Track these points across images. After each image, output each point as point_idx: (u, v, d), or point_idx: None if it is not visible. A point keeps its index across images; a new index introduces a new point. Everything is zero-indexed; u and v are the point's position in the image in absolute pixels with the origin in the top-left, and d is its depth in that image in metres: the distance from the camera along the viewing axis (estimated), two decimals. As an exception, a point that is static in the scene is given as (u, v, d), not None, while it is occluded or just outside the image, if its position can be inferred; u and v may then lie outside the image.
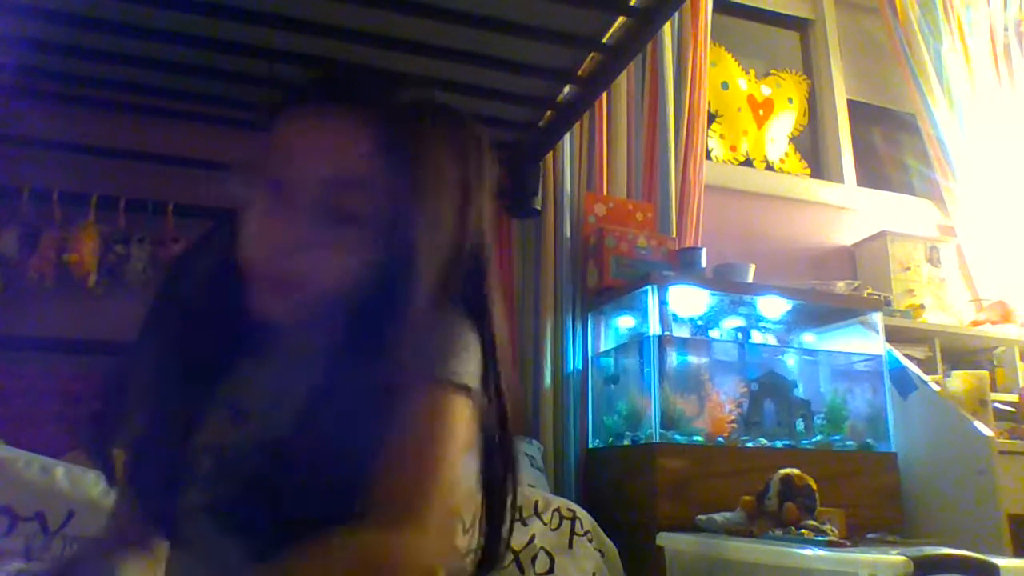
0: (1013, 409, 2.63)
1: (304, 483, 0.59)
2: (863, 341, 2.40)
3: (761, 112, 3.34)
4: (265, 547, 0.57)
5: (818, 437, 2.17)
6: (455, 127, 0.69)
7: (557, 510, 1.81)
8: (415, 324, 0.61)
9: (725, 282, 2.36)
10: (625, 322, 2.41)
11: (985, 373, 2.50)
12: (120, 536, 0.72)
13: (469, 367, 0.64)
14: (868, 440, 2.23)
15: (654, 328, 2.10)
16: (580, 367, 2.40)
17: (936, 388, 2.25)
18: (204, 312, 0.69)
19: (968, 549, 1.42)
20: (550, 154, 2.47)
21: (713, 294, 2.27)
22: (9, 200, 1.95)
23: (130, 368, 0.70)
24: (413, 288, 0.61)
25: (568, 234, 2.48)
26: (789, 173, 3.29)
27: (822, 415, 2.23)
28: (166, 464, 0.66)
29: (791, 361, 2.44)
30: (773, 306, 2.34)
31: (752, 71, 3.39)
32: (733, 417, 2.12)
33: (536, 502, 1.80)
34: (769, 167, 3.27)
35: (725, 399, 2.15)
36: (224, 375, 0.70)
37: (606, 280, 2.34)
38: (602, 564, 1.74)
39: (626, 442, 2.11)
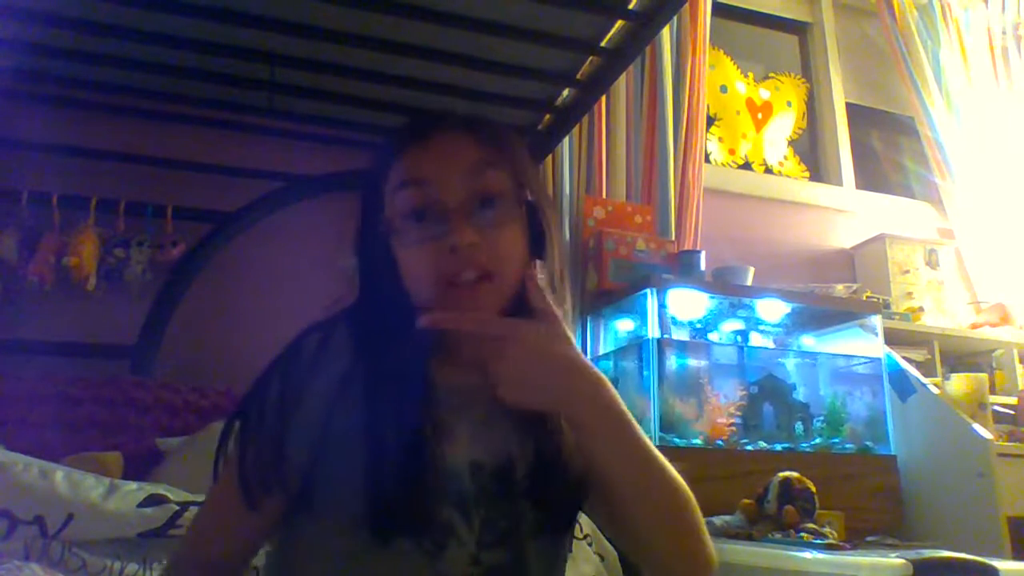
0: (1012, 412, 2.63)
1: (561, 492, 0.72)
2: (862, 344, 2.40)
3: (760, 115, 3.35)
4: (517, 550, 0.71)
5: (817, 440, 2.17)
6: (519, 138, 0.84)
7: (556, 513, 1.80)
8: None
9: (724, 285, 2.36)
10: (624, 325, 2.41)
11: (984, 376, 2.50)
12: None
13: None
14: (867, 443, 2.23)
15: (653, 331, 2.10)
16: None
17: (935, 391, 2.26)
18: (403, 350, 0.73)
19: (967, 552, 1.42)
20: (549, 157, 2.47)
21: (712, 297, 2.27)
22: (8, 203, 1.95)
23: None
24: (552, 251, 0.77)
25: (567, 237, 2.48)
26: (788, 176, 3.29)
27: (821, 418, 2.23)
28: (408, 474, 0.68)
29: (790, 364, 2.44)
30: (772, 309, 2.34)
31: (751, 74, 3.39)
32: (732, 420, 2.12)
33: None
34: (768, 170, 3.27)
35: (724, 402, 2.15)
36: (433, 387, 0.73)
37: (605, 283, 2.34)
38: (602, 568, 1.73)
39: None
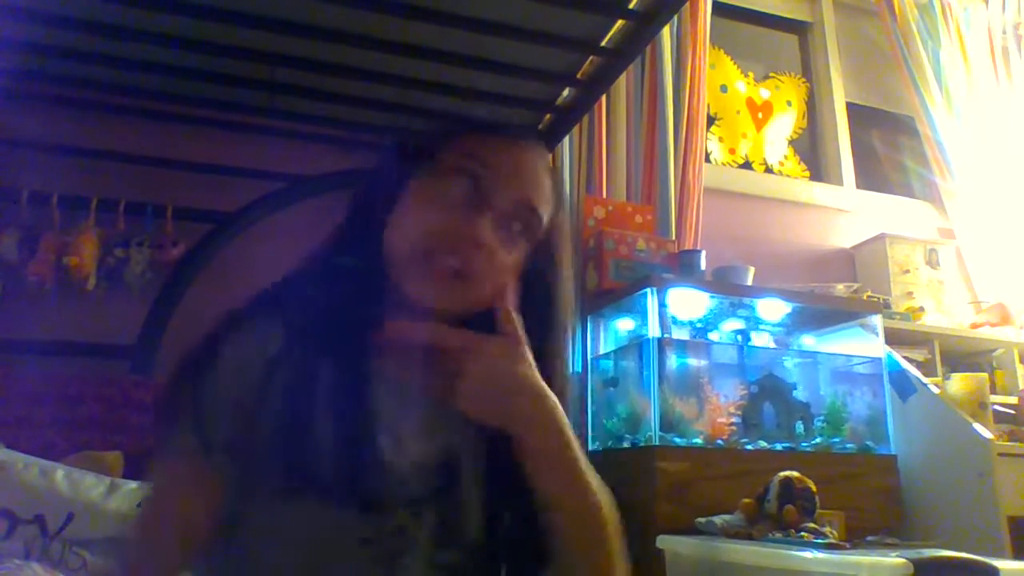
0: (1012, 411, 2.63)
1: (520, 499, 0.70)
2: (862, 343, 2.40)
3: (760, 115, 3.35)
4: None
5: (818, 439, 2.17)
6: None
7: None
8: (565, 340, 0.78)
9: (724, 284, 2.36)
10: (624, 325, 2.41)
11: (984, 375, 2.50)
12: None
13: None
14: (868, 442, 2.23)
15: (653, 331, 2.10)
16: (579, 370, 2.40)
17: (936, 390, 2.25)
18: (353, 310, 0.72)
19: (968, 551, 1.42)
20: (549, 157, 2.47)
21: (712, 296, 2.27)
22: (8, 203, 1.95)
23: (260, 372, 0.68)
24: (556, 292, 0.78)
25: (567, 237, 2.48)
26: (788, 176, 3.29)
27: (822, 417, 2.23)
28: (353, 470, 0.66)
29: (791, 363, 2.44)
30: (772, 308, 2.34)
31: (751, 74, 3.39)
32: (732, 419, 2.12)
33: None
34: (768, 170, 3.27)
35: (725, 401, 2.15)
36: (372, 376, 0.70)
37: (605, 283, 2.34)
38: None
39: (625, 445, 2.11)
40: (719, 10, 3.08)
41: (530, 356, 0.70)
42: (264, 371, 0.67)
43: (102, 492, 1.34)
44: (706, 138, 2.92)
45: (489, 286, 0.72)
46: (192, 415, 0.66)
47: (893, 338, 2.48)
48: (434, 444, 0.72)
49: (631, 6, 1.81)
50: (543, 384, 0.70)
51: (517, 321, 0.70)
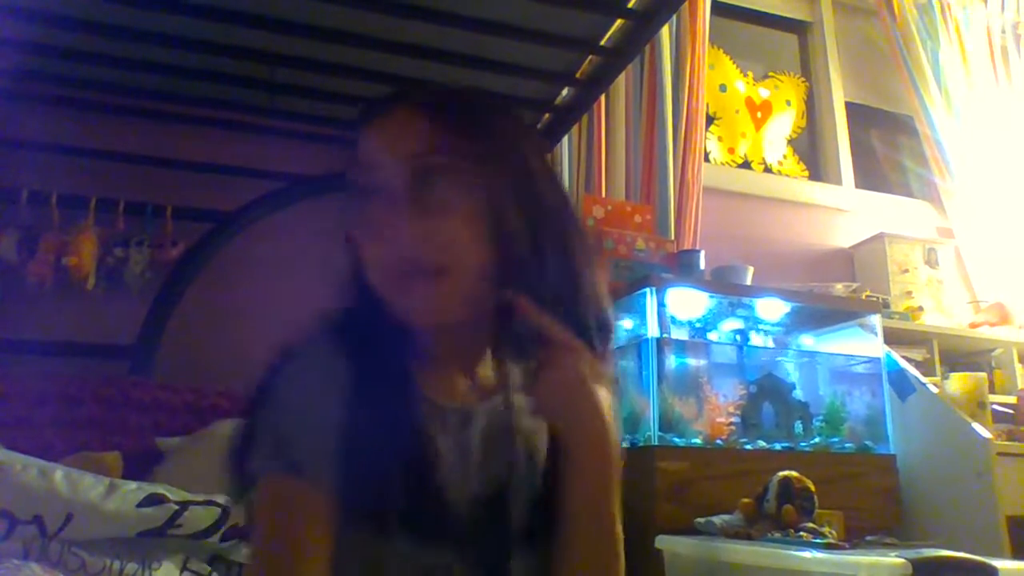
0: (1011, 411, 2.63)
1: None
2: (861, 343, 2.40)
3: (759, 114, 3.35)
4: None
5: (817, 439, 2.17)
6: (505, 114, 0.76)
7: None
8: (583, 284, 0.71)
9: (723, 284, 2.36)
10: (623, 324, 2.41)
11: (983, 375, 2.50)
12: None
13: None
14: (867, 442, 2.23)
15: (652, 330, 2.10)
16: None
17: (934, 390, 2.26)
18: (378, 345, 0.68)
19: (966, 551, 1.42)
20: (548, 156, 2.47)
21: (711, 296, 2.27)
22: (8, 203, 1.95)
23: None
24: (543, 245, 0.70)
25: (567, 236, 2.48)
26: (787, 175, 3.29)
27: (821, 417, 2.23)
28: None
29: (790, 363, 2.44)
30: (771, 308, 2.34)
31: (750, 73, 3.39)
32: (731, 419, 2.12)
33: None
34: (767, 169, 3.27)
35: (724, 401, 2.15)
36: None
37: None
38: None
39: (624, 445, 2.10)
40: (718, 9, 3.08)
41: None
42: (333, 401, 0.63)
43: (101, 492, 1.34)
44: (705, 138, 2.92)
45: (461, 260, 0.66)
46: (281, 447, 0.62)
47: (892, 338, 2.48)
48: (487, 477, 0.69)
49: (630, 5, 1.81)
50: (607, 403, 0.69)
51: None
